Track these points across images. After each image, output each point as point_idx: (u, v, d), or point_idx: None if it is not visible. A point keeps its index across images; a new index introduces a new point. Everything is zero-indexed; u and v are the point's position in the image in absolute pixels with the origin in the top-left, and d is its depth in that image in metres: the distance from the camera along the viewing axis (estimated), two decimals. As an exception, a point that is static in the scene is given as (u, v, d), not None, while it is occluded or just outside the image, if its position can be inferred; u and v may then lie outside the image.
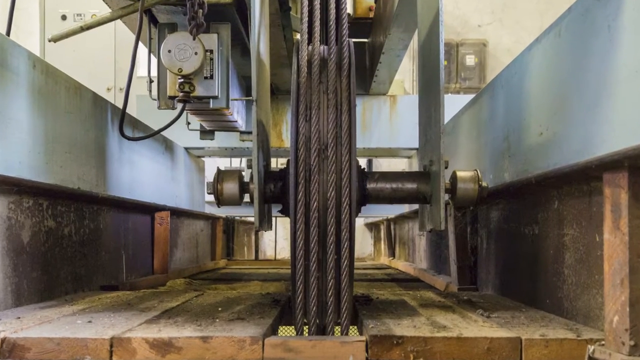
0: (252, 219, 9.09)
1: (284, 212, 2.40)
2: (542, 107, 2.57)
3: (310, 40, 2.36)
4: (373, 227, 10.52)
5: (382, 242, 8.63)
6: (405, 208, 6.75)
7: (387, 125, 6.01)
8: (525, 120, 2.77)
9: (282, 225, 11.72)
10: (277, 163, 8.76)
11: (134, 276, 4.15)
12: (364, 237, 11.32)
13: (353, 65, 2.30)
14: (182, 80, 3.17)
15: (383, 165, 10.71)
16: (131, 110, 4.44)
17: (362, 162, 9.49)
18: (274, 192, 2.45)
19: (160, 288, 4.03)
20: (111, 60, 8.39)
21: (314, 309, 2.17)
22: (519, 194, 2.87)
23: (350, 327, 2.22)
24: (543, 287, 2.59)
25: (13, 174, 2.61)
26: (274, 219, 7.38)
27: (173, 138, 5.44)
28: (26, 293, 2.74)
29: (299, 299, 2.16)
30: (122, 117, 3.57)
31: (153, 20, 3.60)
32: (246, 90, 4.70)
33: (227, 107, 3.52)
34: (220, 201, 2.47)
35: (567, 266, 2.36)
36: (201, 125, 4.87)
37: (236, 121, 4.39)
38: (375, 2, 5.25)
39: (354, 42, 2.49)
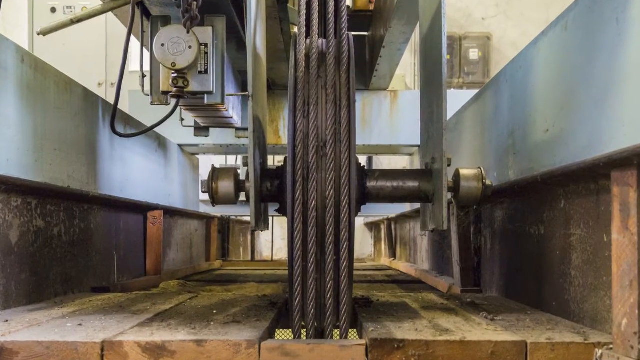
0: (248, 219, 9.03)
1: (281, 211, 2.40)
2: (548, 103, 2.57)
3: (308, 34, 2.36)
4: (373, 227, 10.52)
5: (383, 242, 8.64)
6: (406, 207, 6.74)
7: (387, 121, 6.01)
8: (530, 116, 2.77)
9: (279, 225, 11.72)
10: (274, 161, 8.75)
11: (126, 278, 4.15)
12: (364, 237, 11.32)
13: (352, 59, 2.30)
14: (175, 75, 3.16)
15: (384, 162, 10.70)
16: (123, 106, 4.43)
17: (362, 160, 9.49)
18: (271, 190, 2.45)
19: (153, 290, 4.02)
20: (102, 55, 8.37)
21: (312, 311, 2.17)
22: (524, 193, 2.87)
23: (350, 330, 2.22)
24: (549, 289, 2.59)
25: (1, 172, 2.61)
26: (270, 218, 7.36)
27: (166, 135, 5.44)
28: (14, 295, 2.74)
29: (297, 301, 2.16)
30: (114, 113, 3.56)
31: (145, 13, 3.59)
32: (242, 85, 4.70)
33: (222, 102, 3.51)
34: (215, 200, 2.47)
35: (574, 267, 2.36)
36: (195, 122, 4.86)
37: (232, 117, 4.38)
38: (376, -6, 5.24)
39: (354, 36, 2.48)
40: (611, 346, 1.87)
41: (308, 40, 2.34)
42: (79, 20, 3.55)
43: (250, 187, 2.33)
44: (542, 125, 2.61)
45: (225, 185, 2.45)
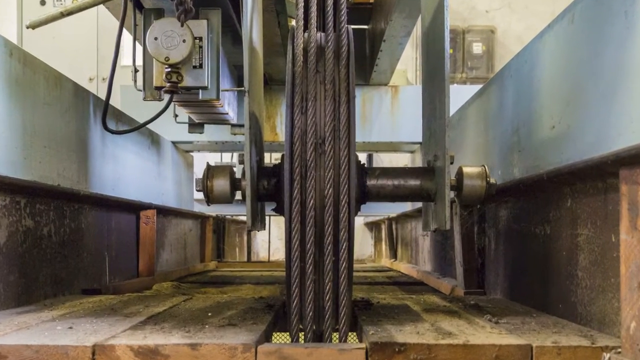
0: (244, 218, 9.04)
1: (278, 210, 2.40)
2: (554, 99, 2.57)
3: (306, 27, 2.36)
4: (373, 226, 10.52)
5: (383, 242, 8.64)
6: (407, 206, 6.74)
7: (388, 117, 6.00)
8: (536, 112, 2.77)
9: (276, 225, 11.72)
10: (271, 158, 8.76)
11: (118, 279, 4.14)
12: (364, 237, 11.33)
13: (352, 53, 2.29)
14: (169, 69, 3.15)
15: (384, 160, 10.71)
16: (115, 101, 4.43)
17: (362, 157, 9.49)
18: (268, 189, 2.44)
19: (145, 292, 4.02)
20: (93, 49, 8.37)
21: (310, 314, 2.17)
22: (530, 192, 2.87)
23: (349, 333, 2.21)
24: (555, 291, 2.59)
25: (-12, 169, 2.61)
26: (267, 218, 7.33)
27: (159, 131, 5.44)
28: (2, 297, 2.74)
29: (295, 303, 2.15)
30: (105, 109, 3.56)
31: (138, 6, 3.59)
32: (238, 80, 4.69)
33: (218, 98, 3.51)
34: (210, 199, 2.47)
35: (581, 268, 2.36)
36: (190, 118, 4.86)
37: (227, 113, 4.38)
38: (376, -14, 5.24)
39: (353, 29, 2.48)
40: (619, 350, 1.87)
41: (306, 34, 2.34)
42: (70, 13, 3.54)
43: (247, 185, 2.32)
44: (548, 121, 2.61)
45: (221, 184, 2.45)
